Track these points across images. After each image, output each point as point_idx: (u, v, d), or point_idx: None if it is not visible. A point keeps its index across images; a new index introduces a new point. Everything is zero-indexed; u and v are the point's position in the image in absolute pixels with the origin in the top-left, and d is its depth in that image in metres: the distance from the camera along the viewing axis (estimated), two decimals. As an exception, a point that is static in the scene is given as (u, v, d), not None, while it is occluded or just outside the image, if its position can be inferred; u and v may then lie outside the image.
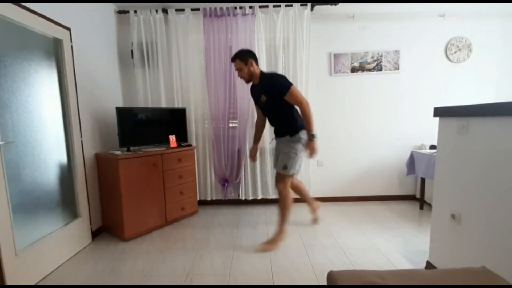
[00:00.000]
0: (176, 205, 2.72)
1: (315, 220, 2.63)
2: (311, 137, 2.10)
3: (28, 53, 1.80)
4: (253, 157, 2.52)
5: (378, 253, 2.06)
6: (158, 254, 2.11)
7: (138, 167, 2.37)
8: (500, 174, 1.26)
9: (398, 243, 2.20)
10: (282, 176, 2.16)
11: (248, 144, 3.01)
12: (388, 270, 0.97)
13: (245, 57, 2.08)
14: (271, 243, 2.17)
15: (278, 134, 2.28)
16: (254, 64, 2.10)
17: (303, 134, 2.14)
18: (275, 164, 2.34)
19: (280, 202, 2.20)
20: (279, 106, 2.12)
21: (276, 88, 2.04)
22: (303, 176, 3.09)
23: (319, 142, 3.15)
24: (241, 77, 2.16)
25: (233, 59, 2.12)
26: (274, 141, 2.39)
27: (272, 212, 2.94)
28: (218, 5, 2.84)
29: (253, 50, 2.86)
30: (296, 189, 2.51)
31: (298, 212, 2.87)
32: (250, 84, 2.26)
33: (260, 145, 2.74)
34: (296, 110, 2.19)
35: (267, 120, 2.38)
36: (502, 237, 1.26)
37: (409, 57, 3.09)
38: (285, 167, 2.12)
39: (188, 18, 2.91)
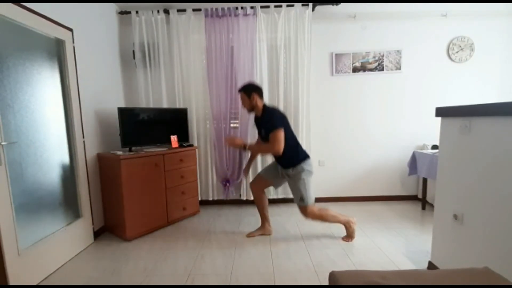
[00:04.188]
0: (177, 205, 2.72)
1: (251, 235, 2.41)
2: (243, 147, 2.18)
3: (30, 54, 1.81)
4: (244, 173, 2.64)
5: (380, 253, 2.05)
6: (160, 254, 2.12)
7: (139, 167, 2.38)
8: (502, 174, 1.25)
9: (400, 243, 2.20)
10: (305, 208, 2.18)
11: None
12: (390, 271, 0.97)
13: (249, 91, 2.19)
14: (349, 237, 2.31)
15: (280, 164, 2.27)
16: (257, 98, 2.19)
17: (306, 165, 2.15)
18: (263, 172, 2.42)
19: (325, 221, 2.26)
20: None
21: (269, 124, 2.11)
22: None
23: (320, 142, 3.19)
24: (244, 107, 2.28)
25: (239, 90, 2.24)
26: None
27: (273, 212, 2.94)
28: (219, 5, 2.85)
29: (254, 50, 2.89)
30: (261, 200, 2.41)
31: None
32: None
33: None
34: (297, 143, 2.22)
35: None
36: (504, 238, 1.25)
37: (411, 57, 3.08)
38: (302, 199, 2.16)
39: (189, 18, 2.91)
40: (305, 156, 2.18)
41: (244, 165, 3.07)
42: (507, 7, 2.97)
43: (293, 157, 2.16)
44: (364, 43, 3.07)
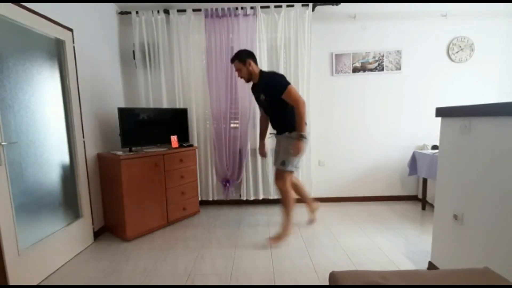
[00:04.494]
0: (177, 205, 2.72)
1: (311, 221, 2.64)
2: (299, 136, 2.07)
3: (30, 54, 1.81)
4: (262, 153, 2.58)
5: (380, 253, 2.05)
6: (160, 254, 2.12)
7: (140, 167, 2.38)
8: (502, 174, 1.25)
9: (400, 243, 2.20)
10: (281, 172, 2.17)
11: (250, 145, 3.03)
12: (390, 271, 0.97)
13: (243, 57, 2.15)
14: (277, 238, 2.23)
15: (278, 131, 2.30)
16: (252, 63, 2.16)
17: None
18: (275, 162, 2.39)
19: (282, 199, 2.23)
20: (278, 105, 2.14)
21: (273, 87, 2.08)
22: (304, 176, 3.09)
23: (320, 142, 3.19)
24: (241, 77, 2.23)
25: (232, 60, 2.19)
26: (274, 138, 2.43)
27: (274, 212, 2.94)
28: (219, 6, 2.85)
29: (254, 50, 2.87)
30: (296, 188, 2.49)
31: (300, 213, 2.87)
32: (251, 83, 2.29)
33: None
34: None
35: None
36: (504, 238, 1.25)
37: (411, 57, 3.08)
38: (283, 163, 2.14)
39: (189, 18, 2.91)
40: None
41: (244, 166, 3.07)
42: (507, 7, 2.98)
43: (290, 120, 2.13)
44: (364, 43, 3.07)
